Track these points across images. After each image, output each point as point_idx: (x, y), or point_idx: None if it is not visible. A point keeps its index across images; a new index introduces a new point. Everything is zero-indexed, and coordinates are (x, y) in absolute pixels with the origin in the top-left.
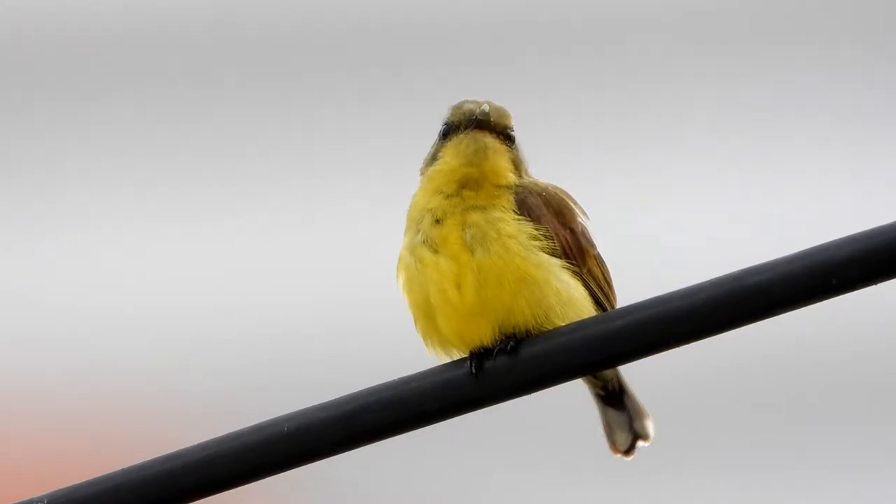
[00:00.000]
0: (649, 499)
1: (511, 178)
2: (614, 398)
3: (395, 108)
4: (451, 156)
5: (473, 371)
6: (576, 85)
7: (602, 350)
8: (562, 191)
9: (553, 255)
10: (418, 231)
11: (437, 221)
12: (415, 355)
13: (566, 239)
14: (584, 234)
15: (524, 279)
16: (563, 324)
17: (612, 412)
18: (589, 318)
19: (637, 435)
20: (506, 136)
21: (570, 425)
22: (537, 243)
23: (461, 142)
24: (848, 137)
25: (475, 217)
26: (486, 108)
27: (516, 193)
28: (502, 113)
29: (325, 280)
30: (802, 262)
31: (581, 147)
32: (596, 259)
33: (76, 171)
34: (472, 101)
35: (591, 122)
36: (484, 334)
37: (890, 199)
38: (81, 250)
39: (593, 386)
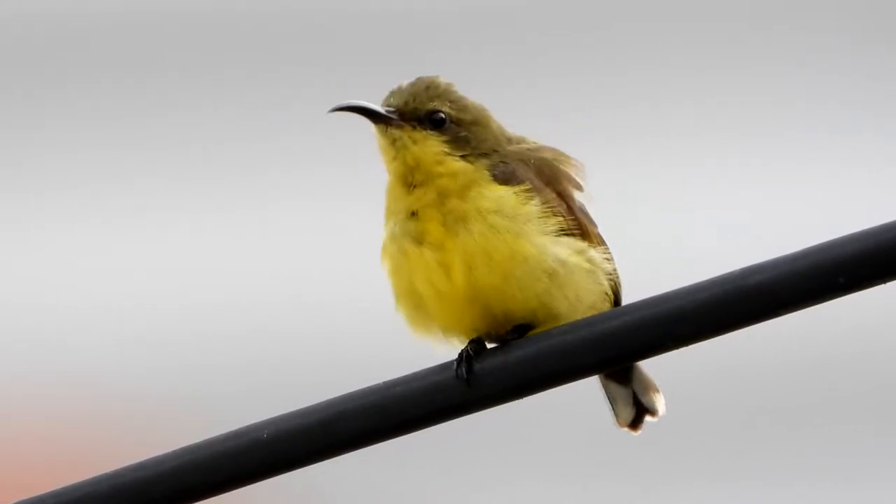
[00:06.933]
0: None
1: (451, 163)
2: (617, 372)
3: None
4: (381, 150)
5: (464, 374)
6: (572, 73)
7: (596, 353)
8: (553, 156)
9: (546, 220)
10: (396, 223)
11: (413, 214)
12: (399, 358)
13: (563, 212)
14: (583, 210)
15: (514, 258)
16: (564, 309)
17: (614, 386)
18: (582, 320)
19: (645, 409)
20: (430, 121)
21: (567, 428)
22: (524, 210)
23: (380, 136)
24: (856, 130)
25: (452, 202)
26: (373, 108)
27: (493, 165)
28: (420, 97)
29: (305, 280)
30: (808, 259)
31: (578, 141)
32: (598, 239)
33: (29, 167)
34: (395, 90)
35: (587, 116)
36: (479, 322)
37: None
38: (40, 248)
39: None
